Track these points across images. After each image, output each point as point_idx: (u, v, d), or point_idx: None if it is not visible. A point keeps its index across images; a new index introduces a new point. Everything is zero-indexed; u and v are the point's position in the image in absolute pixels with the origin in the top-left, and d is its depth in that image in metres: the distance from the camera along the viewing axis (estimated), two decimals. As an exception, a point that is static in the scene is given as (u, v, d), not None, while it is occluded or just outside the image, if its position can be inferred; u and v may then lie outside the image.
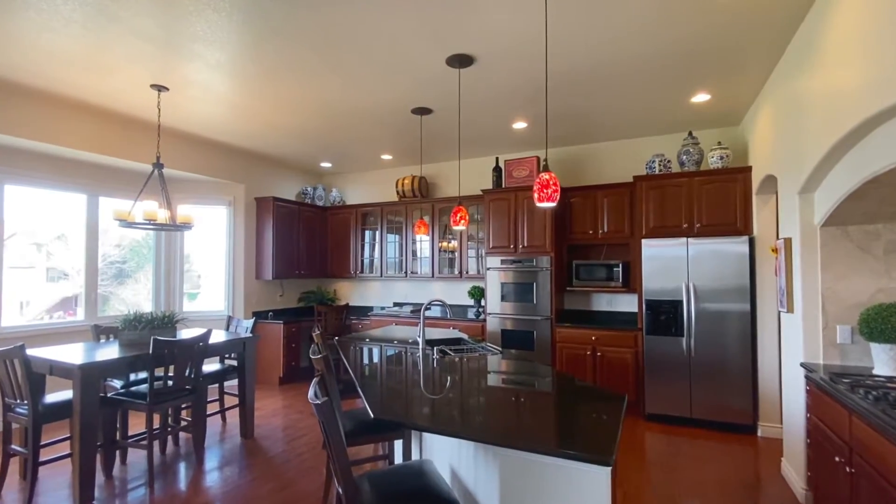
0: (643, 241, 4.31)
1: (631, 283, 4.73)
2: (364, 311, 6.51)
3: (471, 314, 5.52)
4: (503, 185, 5.25)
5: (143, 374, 3.64)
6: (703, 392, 4.03)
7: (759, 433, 3.90)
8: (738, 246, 3.94)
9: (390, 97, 3.84)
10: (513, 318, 4.93)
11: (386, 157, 5.86)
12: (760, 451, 3.58)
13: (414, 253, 5.99)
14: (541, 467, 1.52)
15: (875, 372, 2.44)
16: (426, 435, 2.44)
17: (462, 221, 3.12)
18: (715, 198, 4.15)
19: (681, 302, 4.13)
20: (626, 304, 5.00)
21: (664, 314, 4.19)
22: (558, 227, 4.92)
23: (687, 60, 3.18)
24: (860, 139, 2.22)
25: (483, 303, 5.63)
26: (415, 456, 2.60)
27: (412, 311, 5.81)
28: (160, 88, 3.60)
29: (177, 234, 5.45)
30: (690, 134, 4.40)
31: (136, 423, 4.12)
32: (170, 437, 3.73)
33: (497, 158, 5.32)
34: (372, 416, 1.79)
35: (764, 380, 3.88)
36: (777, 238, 3.24)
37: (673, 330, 4.16)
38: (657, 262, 4.23)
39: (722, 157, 4.17)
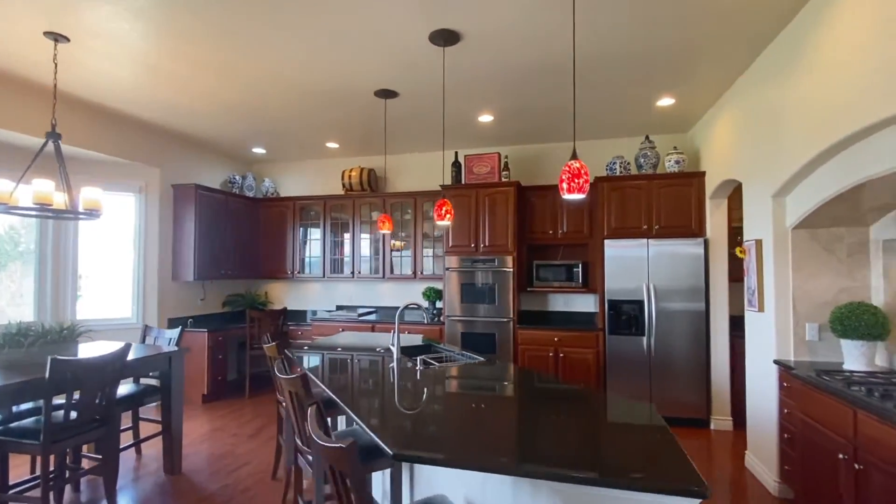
0: (606, 241, 4.32)
1: (590, 283, 4.75)
2: (302, 315, 5.89)
3: (426, 317, 5.21)
4: (463, 181, 5.01)
5: (28, 405, 2.83)
6: (662, 389, 4.14)
7: (712, 426, 4.09)
8: (694, 248, 4.10)
9: (353, 75, 3.41)
10: (473, 320, 4.71)
11: (332, 144, 5.33)
12: (718, 444, 3.73)
13: (362, 252, 5.53)
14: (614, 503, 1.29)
15: (845, 367, 2.58)
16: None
17: (448, 216, 2.81)
18: (672, 201, 4.29)
19: (642, 302, 4.20)
20: (582, 304, 5.03)
21: (625, 314, 4.24)
22: (519, 226, 4.80)
23: (661, 62, 3.17)
24: (847, 147, 2.31)
25: (439, 305, 5.35)
26: (405, 489, 2.24)
27: (360, 315, 5.35)
28: (57, 38, 2.82)
29: (69, 225, 4.44)
30: (647, 138, 4.52)
31: (19, 467, 3.22)
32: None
33: (456, 153, 5.08)
34: (391, 453, 1.43)
35: (716, 376, 4.08)
36: (742, 240, 3.37)
37: (633, 329, 4.22)
38: (619, 262, 4.27)
39: (678, 162, 4.32)
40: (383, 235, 5.37)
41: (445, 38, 2.83)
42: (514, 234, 4.66)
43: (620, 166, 4.52)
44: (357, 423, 1.76)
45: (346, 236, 5.60)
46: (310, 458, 2.05)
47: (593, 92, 3.71)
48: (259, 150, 5.63)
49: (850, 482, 2.03)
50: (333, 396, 2.09)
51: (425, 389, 2.17)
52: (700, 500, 1.22)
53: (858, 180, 2.26)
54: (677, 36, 2.83)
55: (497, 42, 2.92)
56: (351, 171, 5.54)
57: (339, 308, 5.86)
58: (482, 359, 2.87)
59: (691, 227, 4.23)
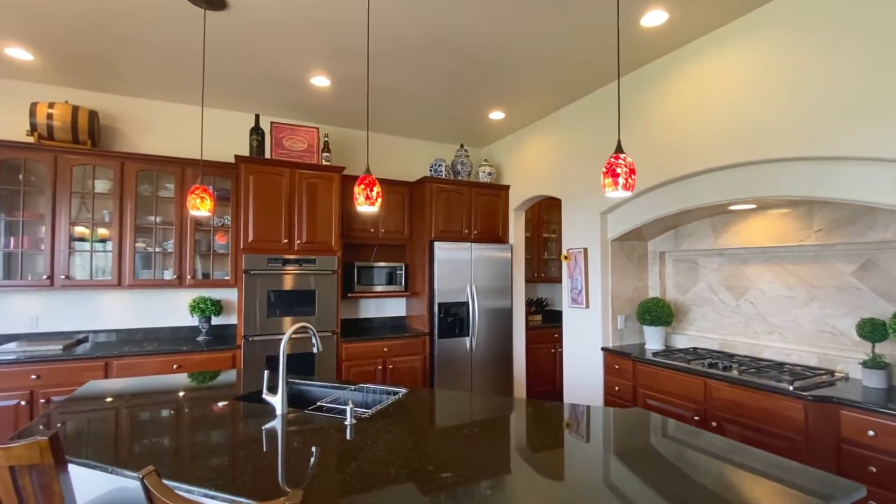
0: (436, 243, 4.22)
1: (409, 286, 4.53)
2: None
3: (202, 340, 3.67)
4: (270, 156, 3.82)
5: None
6: (479, 382, 4.37)
7: (513, 410, 4.62)
8: (504, 252, 4.55)
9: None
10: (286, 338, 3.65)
11: (18, 53, 3.02)
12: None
13: (74, 241, 3.38)
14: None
15: (648, 347, 3.42)
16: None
17: (379, 199, 1.98)
18: (486, 208, 4.62)
19: (467, 303, 4.32)
20: (394, 308, 4.75)
21: (452, 316, 4.26)
22: (342, 222, 4.08)
23: (498, 73, 3.32)
24: (668, 185, 3.07)
25: (219, 321, 3.90)
26: None
27: (66, 348, 3.24)
28: None
29: None
30: (462, 146, 4.72)
31: None
32: None
33: (257, 117, 3.81)
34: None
35: (516, 362, 4.63)
36: (565, 249, 3.94)
37: (458, 331, 4.29)
38: (448, 265, 4.26)
39: (490, 174, 4.71)
40: (120, 220, 3.44)
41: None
42: (339, 230, 3.92)
43: (446, 169, 4.53)
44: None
45: (41, 214, 3.29)
46: None
47: (431, 85, 3.55)
48: None
49: (700, 436, 2.67)
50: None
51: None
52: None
53: (675, 210, 3.03)
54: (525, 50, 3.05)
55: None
56: (51, 106, 3.30)
57: (4, 337, 3.36)
58: (400, 391, 2.22)
59: (499, 234, 4.68)
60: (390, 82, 3.46)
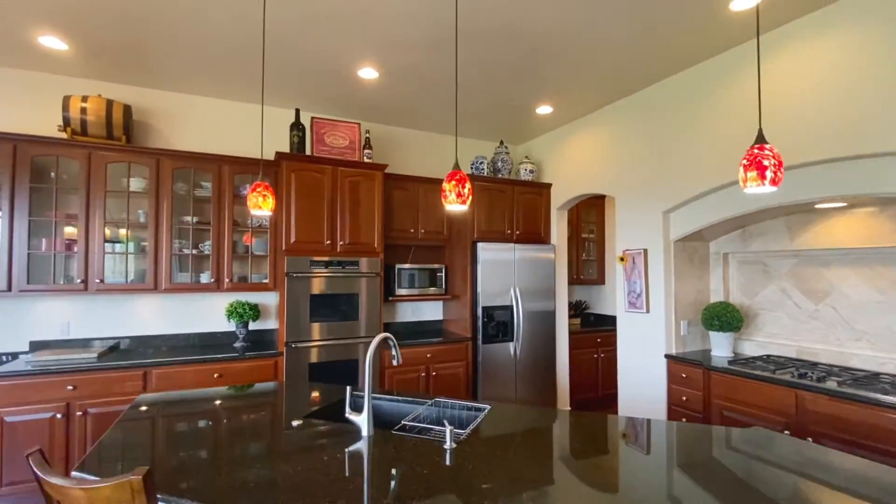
0: (479, 244, 4.03)
1: (449, 288, 4.35)
2: (-70, 369, 2.88)
3: (238, 347, 3.49)
4: (311, 153, 3.64)
5: None
6: (524, 390, 4.18)
7: (557, 418, 4.44)
8: (547, 253, 4.36)
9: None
10: (330, 343, 3.47)
11: (51, 41, 2.83)
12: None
13: (107, 243, 3.19)
14: None
15: (714, 353, 3.23)
16: None
17: (470, 197, 1.79)
18: (528, 207, 4.43)
19: (511, 307, 4.13)
20: (431, 312, 4.56)
21: (496, 320, 4.07)
22: (384, 222, 3.89)
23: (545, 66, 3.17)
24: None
25: (256, 326, 3.71)
26: None
27: (100, 356, 3.06)
28: None
29: None
30: (502, 143, 4.53)
31: None
32: None
33: (297, 112, 3.62)
34: None
35: (559, 368, 4.44)
36: (620, 250, 3.74)
37: (502, 335, 4.10)
38: (492, 266, 4.07)
39: (531, 171, 4.51)
40: (156, 220, 3.25)
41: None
42: (382, 230, 3.73)
43: (487, 167, 4.34)
44: None
45: (74, 214, 3.10)
46: None
47: (490, 73, 3.36)
48: None
49: (791, 452, 2.48)
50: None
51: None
52: None
53: (753, 209, 2.84)
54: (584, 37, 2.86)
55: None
56: (84, 100, 3.11)
57: (34, 346, 3.18)
58: (485, 406, 2.03)
59: (541, 234, 4.49)
60: (440, 75, 3.26)
